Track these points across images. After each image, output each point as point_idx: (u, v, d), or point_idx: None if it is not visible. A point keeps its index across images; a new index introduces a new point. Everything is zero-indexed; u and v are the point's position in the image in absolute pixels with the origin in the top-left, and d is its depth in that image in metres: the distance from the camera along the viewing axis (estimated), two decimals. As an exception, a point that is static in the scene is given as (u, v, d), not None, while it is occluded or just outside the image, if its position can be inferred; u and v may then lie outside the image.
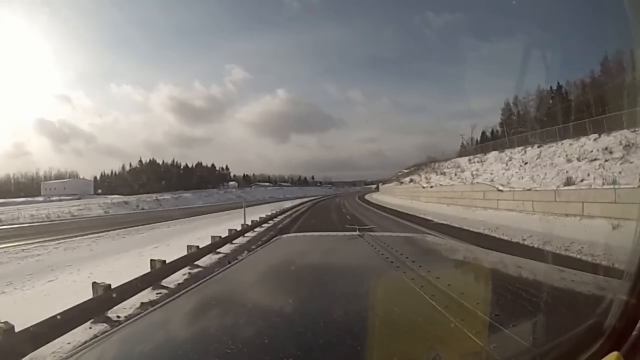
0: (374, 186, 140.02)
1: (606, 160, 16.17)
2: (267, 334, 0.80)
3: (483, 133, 45.39)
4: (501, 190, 17.84)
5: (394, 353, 0.68)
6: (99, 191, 71.47)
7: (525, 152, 25.41)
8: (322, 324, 0.84)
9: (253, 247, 9.43)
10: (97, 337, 0.86)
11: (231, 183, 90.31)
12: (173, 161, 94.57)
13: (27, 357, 3.03)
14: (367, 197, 54.42)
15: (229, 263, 1.58)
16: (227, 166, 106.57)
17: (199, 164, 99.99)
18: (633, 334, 0.59)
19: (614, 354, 0.57)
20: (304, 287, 1.22)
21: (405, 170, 52.09)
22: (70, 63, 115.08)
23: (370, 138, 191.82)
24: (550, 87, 33.91)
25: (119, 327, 0.94)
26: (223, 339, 0.79)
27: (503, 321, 0.74)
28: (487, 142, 37.00)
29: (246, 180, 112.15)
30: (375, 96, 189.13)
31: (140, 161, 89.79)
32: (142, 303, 5.09)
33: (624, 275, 0.65)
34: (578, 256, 7.37)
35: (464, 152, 39.50)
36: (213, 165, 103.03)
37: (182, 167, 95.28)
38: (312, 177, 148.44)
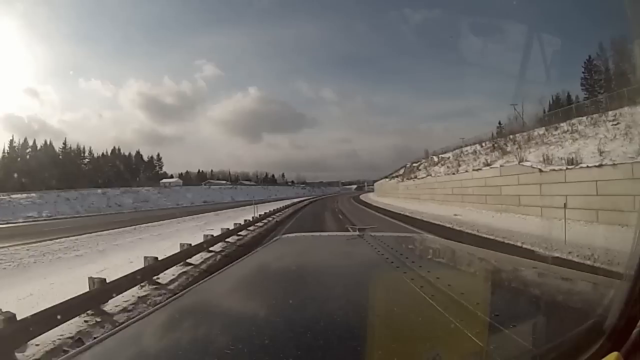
0: (353, 187, 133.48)
1: None
2: (267, 334, 0.80)
3: (557, 98, 33.49)
4: None
5: (394, 353, 0.68)
6: None
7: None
8: (322, 324, 0.84)
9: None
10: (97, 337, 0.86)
11: (172, 180, 75.08)
12: (79, 148, 65.70)
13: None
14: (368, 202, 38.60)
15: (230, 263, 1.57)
16: (159, 155, 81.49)
17: (117, 151, 72.31)
18: (633, 334, 0.59)
19: (614, 354, 0.57)
20: (303, 287, 1.22)
21: (415, 164, 41.43)
22: (37, 56, 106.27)
23: (343, 138, 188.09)
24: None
25: (119, 327, 0.94)
26: (223, 339, 0.79)
27: (503, 321, 0.74)
28: (562, 109, 24.61)
29: (200, 177, 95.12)
30: (349, 95, 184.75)
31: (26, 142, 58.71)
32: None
33: (624, 276, 0.66)
34: None
35: (515, 127, 26.31)
36: (139, 152, 77.98)
37: (88, 155, 66.48)
38: (282, 175, 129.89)
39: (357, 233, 2.02)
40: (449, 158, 29.58)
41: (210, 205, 40.11)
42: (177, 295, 1.18)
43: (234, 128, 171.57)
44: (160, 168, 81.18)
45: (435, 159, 33.87)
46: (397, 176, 46.07)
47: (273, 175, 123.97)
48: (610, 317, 0.63)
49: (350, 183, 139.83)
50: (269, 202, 35.73)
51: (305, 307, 1.00)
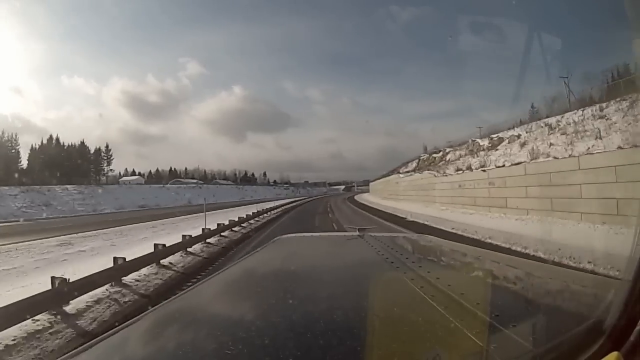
0: (341, 187, 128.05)
1: None
2: (267, 334, 0.80)
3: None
4: None
5: (394, 353, 0.68)
6: None
7: None
8: (322, 324, 0.84)
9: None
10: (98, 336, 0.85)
11: (133, 178, 68.73)
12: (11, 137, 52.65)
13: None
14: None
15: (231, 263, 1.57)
16: (107, 147, 66.76)
17: (53, 140, 58.58)
18: (633, 334, 0.59)
19: (614, 354, 0.57)
20: (303, 287, 1.22)
21: (435, 154, 32.50)
22: (20, 52, 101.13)
23: (329, 139, 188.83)
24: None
25: (119, 327, 0.94)
26: (223, 340, 0.79)
27: (503, 321, 0.74)
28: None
29: (172, 175, 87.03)
30: (335, 95, 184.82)
31: None
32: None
33: (624, 275, 0.66)
34: None
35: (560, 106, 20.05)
36: (84, 144, 63.31)
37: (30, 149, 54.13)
38: (264, 174, 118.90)
39: (357, 233, 2.02)
40: (518, 137, 18.74)
41: (140, 213, 29.79)
42: (176, 296, 1.18)
43: (219, 127, 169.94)
44: (109, 162, 67.07)
45: (485, 142, 22.63)
46: (411, 171, 33.55)
47: (253, 174, 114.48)
48: (610, 317, 0.63)
49: (338, 184, 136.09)
50: (238, 206, 30.32)
51: (305, 307, 1.00)
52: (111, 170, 67.80)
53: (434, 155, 33.05)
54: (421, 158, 37.44)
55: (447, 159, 27.62)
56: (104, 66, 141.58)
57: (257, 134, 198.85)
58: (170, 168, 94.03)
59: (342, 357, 0.70)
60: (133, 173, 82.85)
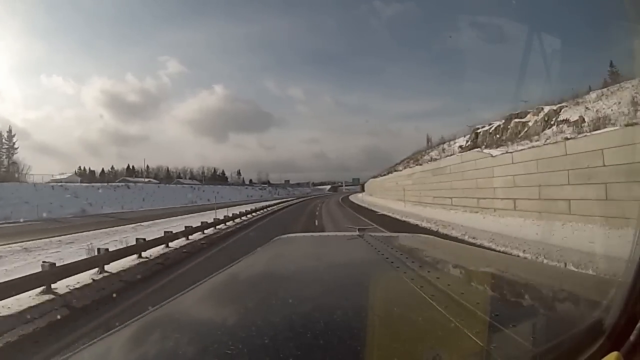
0: (327, 187, 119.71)
1: None
2: (267, 334, 0.80)
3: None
4: None
5: (394, 353, 0.68)
6: None
7: None
8: (322, 324, 0.84)
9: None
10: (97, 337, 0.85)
11: (65, 177, 53.44)
12: None
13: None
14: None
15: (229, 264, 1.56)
16: (10, 131, 52.77)
17: None
18: (633, 334, 0.59)
19: (614, 354, 0.57)
20: (303, 286, 1.22)
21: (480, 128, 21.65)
22: None
23: (313, 139, 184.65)
24: None
25: (119, 327, 0.94)
26: (223, 339, 0.79)
27: (503, 321, 0.74)
28: None
29: (129, 173, 78.35)
30: (318, 94, 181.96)
31: None
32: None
33: (624, 275, 0.66)
34: None
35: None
36: None
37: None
38: (238, 173, 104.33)
39: (357, 233, 2.02)
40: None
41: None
42: (175, 296, 1.18)
43: (200, 127, 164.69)
44: (9, 155, 52.10)
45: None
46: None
47: (223, 173, 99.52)
48: (610, 317, 0.63)
49: (322, 183, 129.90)
50: (164, 218, 20.80)
51: (305, 307, 1.00)
52: (14, 163, 51.38)
53: (477, 131, 19.98)
54: (479, 131, 21.99)
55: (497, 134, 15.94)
56: (83, 65, 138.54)
57: (239, 134, 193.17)
58: (128, 166, 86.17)
59: (342, 357, 0.70)
60: (84, 172, 72.67)
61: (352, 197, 52.12)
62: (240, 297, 1.19)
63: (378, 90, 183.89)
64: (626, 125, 9.79)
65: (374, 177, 51.71)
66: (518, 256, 7.29)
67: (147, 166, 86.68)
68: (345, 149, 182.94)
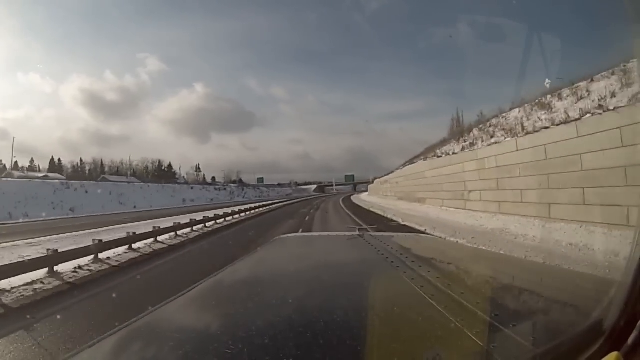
0: (313, 188, 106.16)
1: None
2: (267, 334, 0.80)
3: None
4: None
5: (394, 353, 0.68)
6: None
7: None
8: (322, 324, 0.84)
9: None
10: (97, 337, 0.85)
11: None
12: None
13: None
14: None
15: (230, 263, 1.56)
16: None
17: None
18: (633, 334, 0.59)
19: (614, 354, 0.57)
20: (303, 286, 1.22)
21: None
22: None
23: (296, 139, 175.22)
24: None
25: (119, 327, 0.94)
26: (223, 339, 0.79)
27: (503, 321, 0.74)
28: None
29: (89, 172, 65.91)
30: (301, 93, 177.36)
31: None
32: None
33: (624, 275, 0.66)
34: None
35: None
36: None
37: None
38: (197, 167, 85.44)
39: (357, 233, 2.02)
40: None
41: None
42: (175, 296, 1.18)
43: (182, 127, 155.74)
44: None
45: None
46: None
47: (170, 167, 78.81)
48: (610, 317, 0.63)
49: (307, 184, 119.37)
50: None
51: (305, 306, 1.00)
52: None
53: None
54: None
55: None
56: (61, 62, 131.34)
57: (221, 134, 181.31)
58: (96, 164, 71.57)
59: (342, 357, 0.70)
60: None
61: (354, 199, 34.66)
62: (240, 296, 1.19)
63: (362, 90, 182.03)
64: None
65: (386, 174, 36.07)
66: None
67: (81, 160, 73.68)
68: (329, 150, 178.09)
